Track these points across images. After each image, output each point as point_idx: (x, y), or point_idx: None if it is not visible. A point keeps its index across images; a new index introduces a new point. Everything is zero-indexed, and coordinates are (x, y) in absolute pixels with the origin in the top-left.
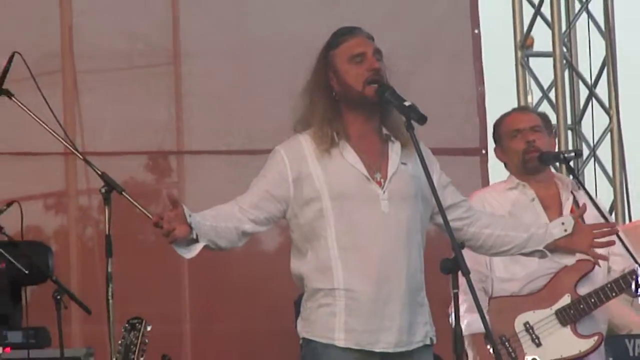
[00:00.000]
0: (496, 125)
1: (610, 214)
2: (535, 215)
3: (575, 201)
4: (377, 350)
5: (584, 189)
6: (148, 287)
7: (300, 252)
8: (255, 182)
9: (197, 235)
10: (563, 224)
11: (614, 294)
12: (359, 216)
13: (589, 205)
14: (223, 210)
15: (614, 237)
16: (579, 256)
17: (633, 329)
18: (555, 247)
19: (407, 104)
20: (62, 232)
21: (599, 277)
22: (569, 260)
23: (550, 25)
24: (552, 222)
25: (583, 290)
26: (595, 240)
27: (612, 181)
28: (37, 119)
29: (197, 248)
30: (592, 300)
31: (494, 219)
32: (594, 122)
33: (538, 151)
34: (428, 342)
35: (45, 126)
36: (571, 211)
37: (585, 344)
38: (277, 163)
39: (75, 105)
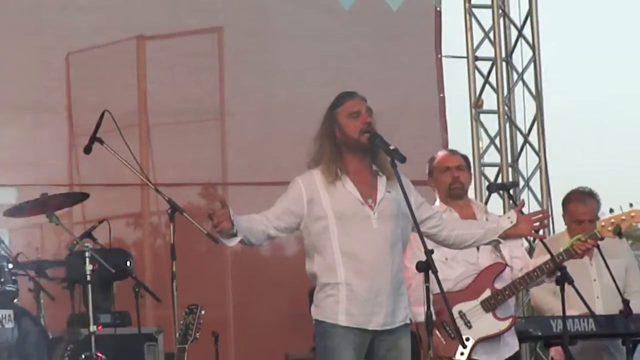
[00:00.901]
0: (431, 161)
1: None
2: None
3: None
4: (369, 328)
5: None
6: (201, 282)
7: (310, 256)
8: (279, 201)
9: (236, 231)
10: (509, 217)
11: (521, 287)
12: (355, 230)
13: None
14: (255, 218)
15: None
16: (491, 260)
17: (555, 312)
18: (506, 236)
19: (391, 147)
20: (139, 242)
21: (508, 275)
22: (517, 243)
23: (495, 90)
24: (500, 217)
25: (498, 285)
26: (534, 225)
27: (541, 205)
28: (120, 159)
29: (236, 240)
30: (506, 292)
31: (458, 223)
32: (528, 162)
33: (461, 185)
34: (407, 321)
35: (127, 164)
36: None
37: (503, 325)
38: (296, 188)
39: (149, 148)
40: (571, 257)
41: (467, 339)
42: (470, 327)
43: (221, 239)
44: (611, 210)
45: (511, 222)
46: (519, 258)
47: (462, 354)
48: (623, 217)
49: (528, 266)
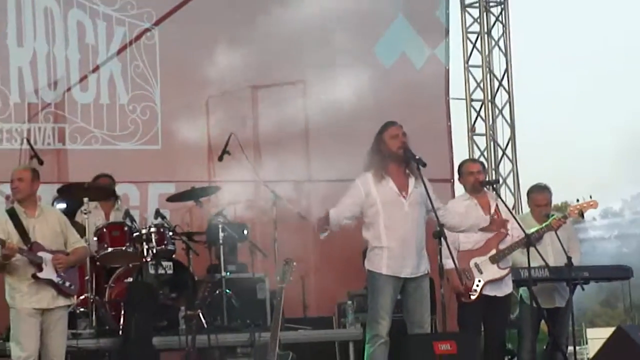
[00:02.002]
0: (460, 167)
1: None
2: (477, 212)
3: (497, 205)
4: (402, 276)
5: (501, 199)
6: (293, 244)
7: (366, 228)
8: (345, 197)
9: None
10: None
11: (514, 249)
12: (394, 212)
13: (502, 206)
14: (332, 216)
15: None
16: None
17: (523, 265)
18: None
19: (417, 157)
20: (253, 218)
21: (508, 239)
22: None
23: (484, 120)
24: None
25: (501, 246)
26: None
27: (513, 195)
28: (242, 164)
29: (325, 235)
30: (506, 251)
31: (455, 215)
32: (505, 167)
33: (481, 182)
34: (426, 272)
35: (247, 167)
36: (495, 213)
37: (503, 272)
38: (356, 188)
39: (259, 158)
40: (550, 229)
41: (480, 281)
42: (481, 273)
43: (320, 234)
44: (577, 200)
45: (486, 222)
46: (516, 229)
47: (476, 287)
48: (584, 205)
49: (520, 236)
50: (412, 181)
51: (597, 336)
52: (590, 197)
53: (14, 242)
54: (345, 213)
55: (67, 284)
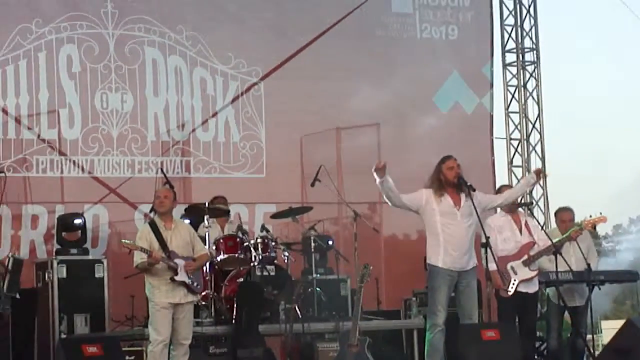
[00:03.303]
0: (498, 191)
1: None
2: (511, 225)
3: (526, 221)
4: (455, 269)
5: (533, 216)
6: (368, 251)
7: (428, 232)
8: (412, 194)
9: (383, 180)
10: (531, 176)
11: (542, 255)
12: (449, 220)
13: (532, 221)
14: (400, 194)
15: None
16: (528, 240)
17: (549, 270)
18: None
19: (469, 184)
20: (337, 232)
21: (536, 248)
22: (539, 232)
23: (520, 155)
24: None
25: (532, 252)
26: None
27: (544, 214)
28: (329, 189)
29: (379, 181)
30: (535, 256)
31: (500, 196)
32: (537, 192)
33: (517, 204)
34: (474, 266)
35: (333, 192)
36: (525, 226)
37: (533, 273)
38: (419, 194)
39: (342, 184)
40: (570, 239)
41: (515, 280)
42: (516, 273)
43: (376, 177)
44: (590, 216)
45: (533, 177)
46: (541, 240)
47: (513, 285)
48: (596, 219)
49: (545, 244)
50: (463, 197)
51: (610, 327)
52: (601, 213)
53: (154, 249)
54: (402, 198)
55: (195, 284)
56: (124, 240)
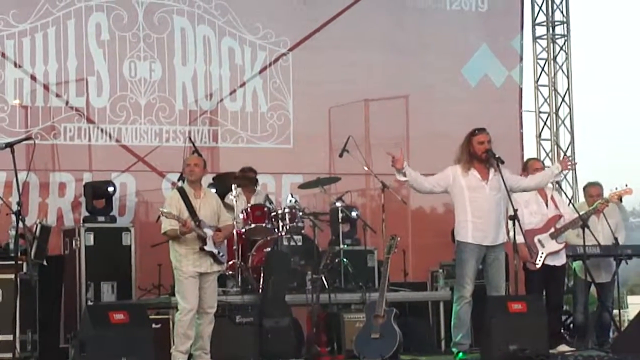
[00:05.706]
0: (525, 164)
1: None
2: (537, 199)
3: (552, 195)
4: (484, 244)
5: (561, 190)
6: (396, 223)
7: (456, 208)
8: (438, 174)
9: (404, 172)
10: (556, 166)
11: (568, 228)
12: (478, 194)
13: (557, 195)
14: (423, 177)
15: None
16: (554, 213)
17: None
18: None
19: (497, 156)
20: (364, 204)
21: (562, 221)
22: (566, 206)
23: (549, 128)
24: (551, 166)
25: (558, 225)
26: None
27: (572, 188)
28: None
29: (401, 176)
30: (562, 229)
31: (529, 180)
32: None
33: None
34: (504, 241)
35: (361, 162)
36: (552, 199)
37: (560, 246)
38: (447, 172)
39: (370, 155)
40: (595, 212)
41: (542, 253)
42: (543, 246)
43: (396, 174)
44: (616, 188)
45: (557, 168)
46: (567, 213)
47: (540, 257)
48: (621, 192)
49: (571, 218)
50: (492, 171)
51: (636, 302)
52: (626, 185)
53: (184, 217)
54: (429, 182)
55: (221, 254)
56: (162, 209)
